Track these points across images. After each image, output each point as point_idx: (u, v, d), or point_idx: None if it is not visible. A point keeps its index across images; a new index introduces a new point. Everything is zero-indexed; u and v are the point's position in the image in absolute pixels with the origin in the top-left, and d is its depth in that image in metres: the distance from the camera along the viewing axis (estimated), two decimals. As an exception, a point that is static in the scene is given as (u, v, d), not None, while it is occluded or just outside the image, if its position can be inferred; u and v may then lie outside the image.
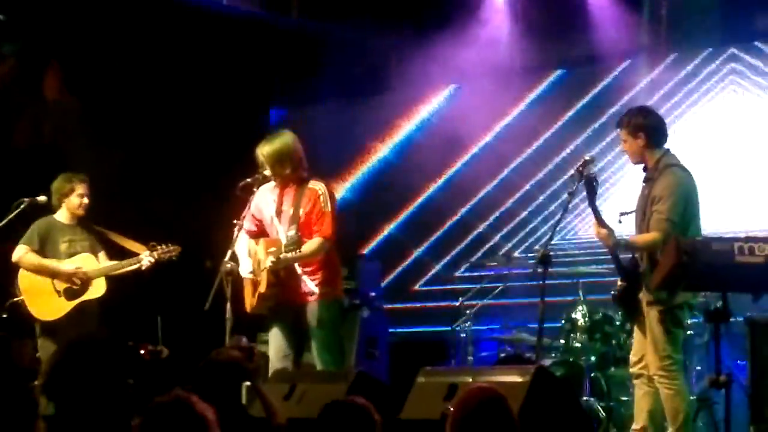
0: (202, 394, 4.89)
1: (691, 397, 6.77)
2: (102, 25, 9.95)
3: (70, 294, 7.99)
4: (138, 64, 10.26)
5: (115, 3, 9.98)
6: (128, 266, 8.04)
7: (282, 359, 6.82)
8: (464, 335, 8.69)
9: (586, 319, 7.79)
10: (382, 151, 11.72)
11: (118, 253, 8.20)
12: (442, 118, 11.37)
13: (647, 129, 6.45)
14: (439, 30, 10.32)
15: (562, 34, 10.45)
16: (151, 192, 9.95)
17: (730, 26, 9.91)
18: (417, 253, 11.29)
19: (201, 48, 10.56)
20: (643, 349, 6.42)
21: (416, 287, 11.24)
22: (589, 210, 6.42)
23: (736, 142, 9.82)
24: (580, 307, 7.89)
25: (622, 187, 9.76)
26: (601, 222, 6.38)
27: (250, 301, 6.95)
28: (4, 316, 7.86)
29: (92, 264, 8.05)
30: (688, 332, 7.20)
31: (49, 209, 8.12)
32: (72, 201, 8.07)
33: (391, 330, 10.14)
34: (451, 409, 4.24)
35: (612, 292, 6.57)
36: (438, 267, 11.18)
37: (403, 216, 11.46)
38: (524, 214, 10.82)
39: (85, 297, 8.00)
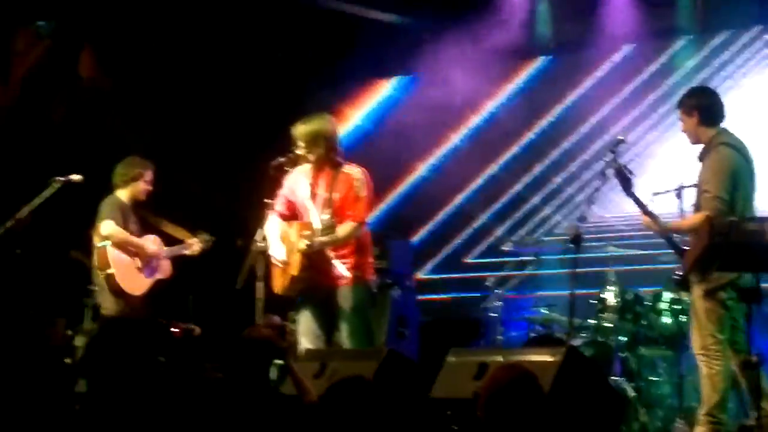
0: (233, 372, 4.95)
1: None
2: (137, 4, 9.99)
3: (149, 272, 8.19)
4: (173, 43, 10.28)
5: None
6: (184, 251, 8.38)
7: (313, 340, 6.85)
8: (495, 315, 8.70)
9: (618, 299, 7.76)
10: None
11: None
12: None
13: (700, 108, 6.49)
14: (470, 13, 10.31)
15: (589, 15, 10.38)
16: (184, 171, 9.99)
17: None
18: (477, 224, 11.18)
19: (238, 27, 10.55)
20: None
21: (468, 259, 11.16)
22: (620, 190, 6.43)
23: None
24: (611, 287, 7.85)
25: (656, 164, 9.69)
26: (644, 210, 6.40)
27: (278, 282, 6.98)
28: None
29: (160, 246, 8.29)
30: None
31: (81, 187, 8.08)
32: (139, 186, 8.23)
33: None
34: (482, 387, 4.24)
35: (673, 276, 6.58)
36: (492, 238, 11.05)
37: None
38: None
39: (159, 276, 8.25)
